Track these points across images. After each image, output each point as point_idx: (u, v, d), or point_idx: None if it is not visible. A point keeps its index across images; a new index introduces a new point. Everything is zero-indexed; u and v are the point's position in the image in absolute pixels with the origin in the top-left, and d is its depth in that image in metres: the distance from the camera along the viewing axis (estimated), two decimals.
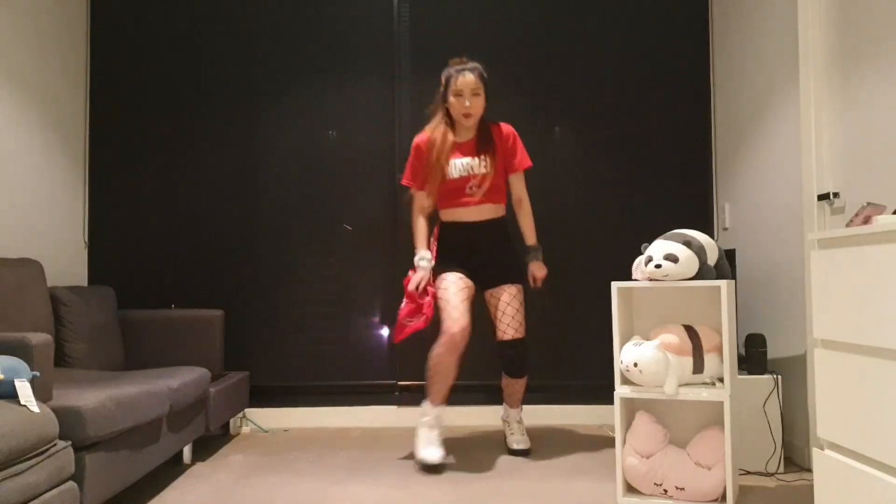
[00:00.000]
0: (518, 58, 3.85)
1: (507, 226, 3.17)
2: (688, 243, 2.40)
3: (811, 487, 2.59)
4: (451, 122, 3.10)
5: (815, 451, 1.92)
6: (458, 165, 3.05)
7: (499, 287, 3.10)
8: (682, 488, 2.37)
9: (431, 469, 2.88)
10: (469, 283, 3.06)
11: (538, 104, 3.85)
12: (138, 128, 3.83)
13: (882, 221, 1.71)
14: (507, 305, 3.08)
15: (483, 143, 3.09)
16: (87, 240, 3.78)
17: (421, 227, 3.13)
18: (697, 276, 2.41)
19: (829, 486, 1.86)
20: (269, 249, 3.80)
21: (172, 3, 3.85)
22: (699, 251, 2.40)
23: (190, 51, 3.84)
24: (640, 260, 2.54)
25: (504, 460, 3.02)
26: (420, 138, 3.12)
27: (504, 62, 3.85)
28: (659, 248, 2.43)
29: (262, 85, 3.84)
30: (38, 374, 1.97)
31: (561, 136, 3.84)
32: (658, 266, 2.39)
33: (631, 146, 3.83)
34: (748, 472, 2.78)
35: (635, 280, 2.56)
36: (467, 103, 3.01)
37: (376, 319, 3.81)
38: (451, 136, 3.07)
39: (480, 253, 3.10)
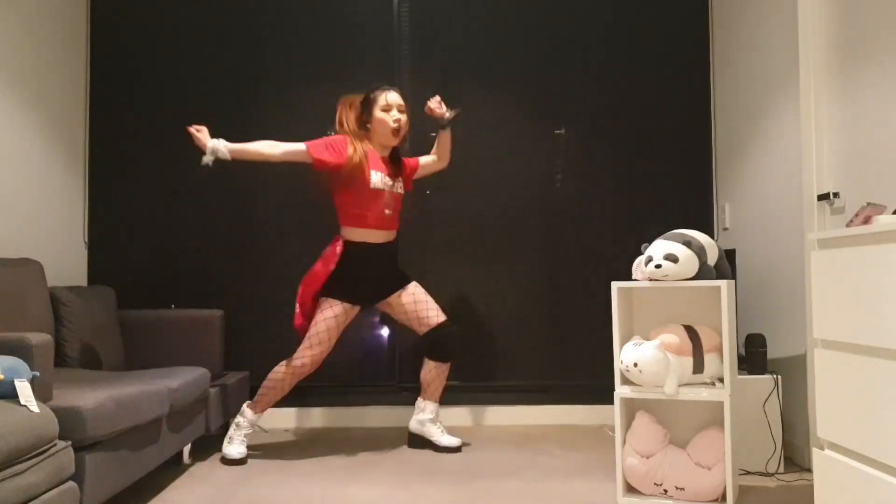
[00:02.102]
0: (518, 58, 3.85)
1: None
2: (688, 243, 2.40)
3: (811, 487, 2.59)
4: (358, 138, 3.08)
5: (815, 451, 1.92)
6: (382, 178, 3.05)
7: (401, 290, 3.15)
8: (682, 488, 2.37)
9: (238, 464, 2.98)
10: (353, 310, 3.08)
11: (538, 104, 3.85)
12: (138, 128, 3.83)
13: (882, 221, 1.71)
14: (422, 295, 3.17)
15: (396, 166, 3.14)
16: (87, 240, 3.78)
17: (261, 150, 2.94)
18: (697, 276, 2.41)
19: (829, 486, 1.86)
20: (269, 249, 3.80)
21: (172, 3, 3.85)
22: (699, 251, 2.40)
23: (190, 51, 3.84)
24: (640, 260, 2.54)
25: (504, 460, 3.02)
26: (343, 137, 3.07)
27: (504, 62, 3.85)
28: (659, 248, 2.43)
29: (262, 84, 3.84)
30: (38, 374, 1.97)
31: (561, 136, 3.84)
32: (658, 266, 2.40)
33: (631, 146, 3.83)
34: (748, 472, 2.78)
35: (635, 280, 2.56)
36: (396, 115, 3.05)
37: (376, 319, 3.81)
38: (370, 146, 3.07)
39: (377, 272, 3.11)
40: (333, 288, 3.02)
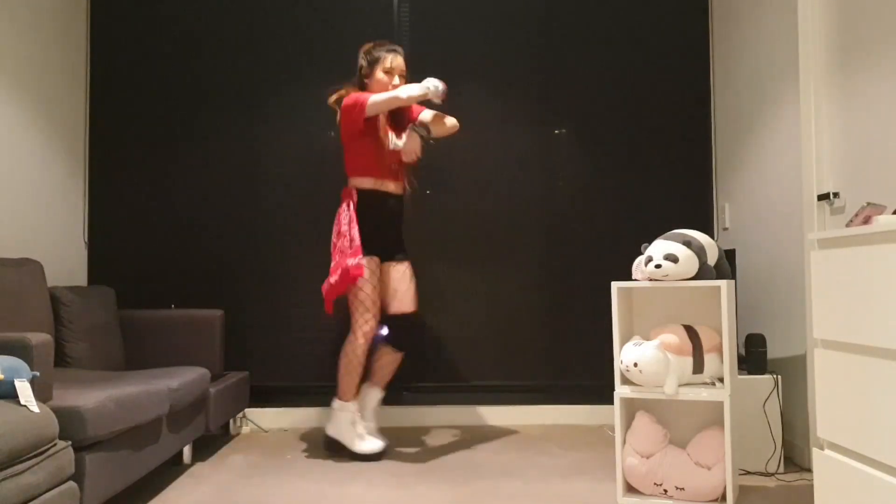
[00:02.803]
0: (518, 58, 3.85)
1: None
2: (688, 243, 2.40)
3: (811, 487, 2.59)
4: None
5: (815, 451, 1.92)
6: (395, 138, 3.13)
7: (399, 262, 3.16)
8: (682, 488, 2.37)
9: (377, 457, 2.99)
10: (379, 264, 3.10)
11: (538, 104, 3.85)
12: (138, 127, 3.83)
13: (882, 221, 1.71)
14: (407, 280, 3.15)
15: (399, 123, 3.16)
16: (87, 240, 3.78)
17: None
18: (697, 276, 2.41)
19: (829, 486, 1.86)
20: (269, 249, 3.80)
21: (172, 3, 3.85)
22: (699, 251, 2.40)
23: (190, 51, 3.84)
24: (640, 260, 2.54)
25: (504, 460, 3.02)
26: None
27: (504, 62, 3.85)
28: (659, 248, 2.43)
29: (262, 85, 3.84)
30: (38, 374, 1.97)
31: (561, 136, 3.84)
32: (658, 266, 2.40)
33: (631, 146, 3.83)
34: (748, 472, 2.78)
35: (635, 280, 2.56)
36: (396, 81, 3.08)
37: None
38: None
39: (393, 225, 3.16)
40: (364, 244, 3.02)
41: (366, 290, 3.01)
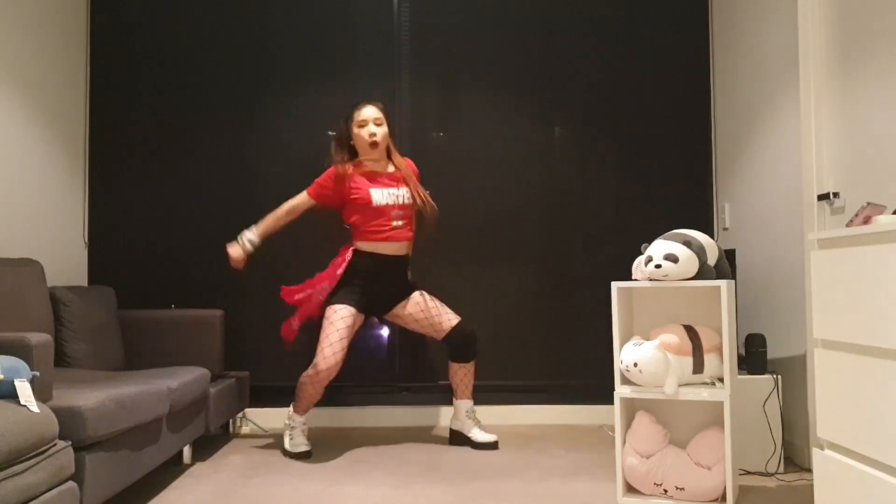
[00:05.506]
0: (518, 58, 3.85)
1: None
2: (688, 243, 2.40)
3: (811, 487, 2.59)
4: (351, 159, 3.22)
5: (815, 451, 1.93)
6: (385, 193, 3.13)
7: (405, 300, 3.20)
8: (682, 488, 2.37)
9: (303, 457, 3.08)
10: (359, 317, 3.14)
11: (538, 104, 3.85)
12: (138, 128, 3.83)
13: (882, 221, 1.71)
14: (430, 302, 3.20)
15: (403, 174, 3.20)
16: (87, 240, 3.78)
17: (278, 216, 3.22)
18: (697, 276, 2.41)
19: (829, 486, 1.86)
20: (269, 249, 3.79)
21: (172, 3, 3.85)
22: (699, 251, 2.40)
23: (190, 51, 3.84)
24: (640, 260, 2.54)
25: (504, 460, 3.02)
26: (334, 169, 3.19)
27: (504, 62, 3.85)
28: (659, 248, 2.43)
29: (262, 85, 3.84)
30: (38, 374, 1.97)
31: (561, 136, 3.85)
32: (658, 266, 2.40)
33: (631, 146, 3.83)
34: (748, 472, 2.79)
35: (635, 280, 2.56)
36: (372, 130, 3.12)
37: (376, 319, 3.81)
38: (366, 167, 3.17)
39: (385, 283, 3.18)
40: (341, 294, 3.11)
41: (337, 325, 3.04)
